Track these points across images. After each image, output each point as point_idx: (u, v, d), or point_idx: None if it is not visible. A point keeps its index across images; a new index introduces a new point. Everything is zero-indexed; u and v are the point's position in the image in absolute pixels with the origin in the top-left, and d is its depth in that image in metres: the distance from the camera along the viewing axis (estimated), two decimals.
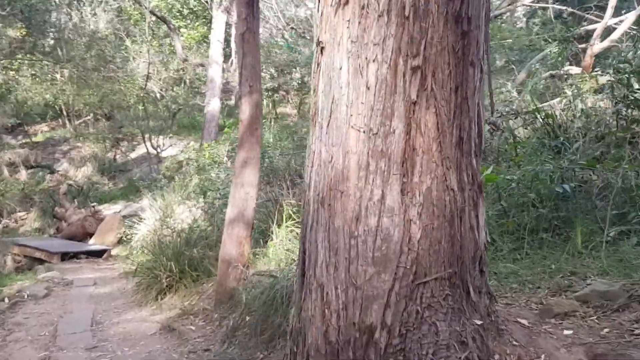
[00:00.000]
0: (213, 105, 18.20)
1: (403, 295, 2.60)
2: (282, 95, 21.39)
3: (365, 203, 2.64)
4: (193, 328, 6.13)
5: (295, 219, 6.49)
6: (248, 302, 5.60)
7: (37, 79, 20.78)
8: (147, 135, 17.86)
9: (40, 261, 12.76)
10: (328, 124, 2.80)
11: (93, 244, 14.20)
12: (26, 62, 18.80)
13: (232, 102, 23.55)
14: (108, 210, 16.41)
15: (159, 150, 17.28)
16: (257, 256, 6.64)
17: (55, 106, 22.61)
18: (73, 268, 11.34)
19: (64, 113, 22.16)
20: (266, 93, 18.21)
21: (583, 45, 8.74)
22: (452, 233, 2.65)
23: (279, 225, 6.53)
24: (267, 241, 6.92)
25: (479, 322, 2.66)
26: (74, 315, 7.12)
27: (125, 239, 13.98)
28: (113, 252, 13.36)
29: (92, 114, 21.56)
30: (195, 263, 7.55)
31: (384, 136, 2.61)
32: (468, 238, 2.71)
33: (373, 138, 2.63)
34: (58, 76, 20.30)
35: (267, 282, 5.69)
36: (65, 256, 12.61)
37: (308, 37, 23.52)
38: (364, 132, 2.65)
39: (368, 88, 2.63)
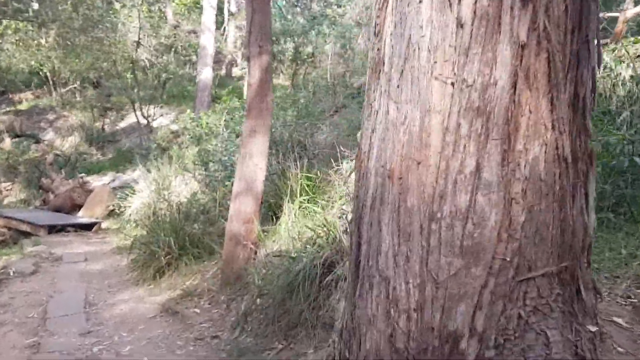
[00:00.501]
0: (205, 74, 17.38)
1: (500, 295, 2.01)
2: (275, 66, 20.53)
3: (452, 176, 2.03)
4: (197, 311, 5.54)
5: (310, 194, 5.87)
6: (260, 285, 5.01)
7: (21, 45, 19.72)
8: (137, 104, 17.02)
9: (27, 234, 12.05)
10: (401, 75, 2.16)
11: (82, 216, 13.49)
12: (10, 27, 17.74)
13: (223, 72, 22.70)
14: (97, 181, 15.66)
15: (149, 119, 16.46)
16: (266, 234, 6.02)
17: (41, 73, 21.61)
18: (62, 242, 10.65)
19: (50, 81, 21.16)
20: None
21: (613, 14, 8.16)
22: (563, 216, 2.05)
23: (292, 200, 5.90)
24: (276, 217, 6.31)
25: (594, 329, 2.08)
26: (64, 295, 6.48)
27: (116, 211, 13.31)
28: (103, 225, 12.66)
29: (79, 82, 20.59)
30: (195, 239, 6.93)
31: (481, 89, 1.98)
32: (579, 222, 2.11)
33: (466, 91, 2.00)
34: (43, 41, 19.24)
35: (278, 262, 5.10)
36: (53, 229, 11.90)
37: (301, 6, 22.65)
38: (452, 83, 2.02)
39: (461, 26, 1.99)
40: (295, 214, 5.73)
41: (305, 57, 17.93)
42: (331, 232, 4.52)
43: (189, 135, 10.82)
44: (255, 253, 5.80)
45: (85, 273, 7.64)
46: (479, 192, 2.00)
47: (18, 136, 18.53)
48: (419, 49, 2.10)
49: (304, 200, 5.83)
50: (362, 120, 2.48)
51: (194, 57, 19.84)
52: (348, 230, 4.52)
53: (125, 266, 7.83)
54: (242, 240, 5.72)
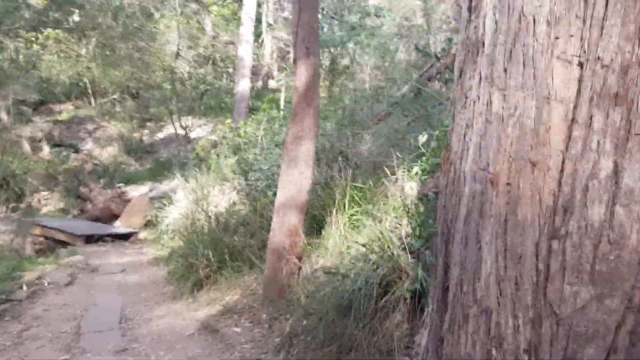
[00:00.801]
0: (243, 85, 17.15)
1: None
2: None
3: (582, 182, 1.58)
4: (238, 330, 5.14)
5: (360, 205, 5.43)
6: (307, 304, 4.59)
7: (61, 56, 19.90)
8: (174, 116, 16.89)
9: (63, 244, 11.93)
10: (509, 56, 1.73)
11: (119, 226, 13.32)
12: (51, 37, 17.89)
13: (260, 84, 22.52)
14: (135, 191, 15.52)
15: (187, 130, 16.29)
16: (310, 247, 5.61)
17: (80, 84, 21.79)
18: (98, 252, 10.45)
19: (89, 91, 21.28)
20: None
21: None
22: None
23: (339, 212, 5.48)
24: (320, 230, 5.89)
25: None
26: (99, 309, 6.18)
27: (153, 221, 13.12)
28: (140, 236, 12.47)
29: (118, 93, 20.66)
30: (235, 252, 6.57)
31: (621, 70, 1.53)
32: None
33: (601, 74, 1.55)
34: (83, 51, 19.41)
35: (326, 279, 4.68)
36: (90, 239, 11.74)
37: (338, 17, 22.37)
38: (581, 64, 1.58)
39: None
40: (343, 226, 5.30)
41: (342, 68, 17.63)
42: (387, 248, 4.07)
43: (228, 144, 10.51)
44: (300, 268, 5.39)
45: (121, 285, 7.35)
46: (617, 202, 1.54)
47: (57, 145, 18.60)
48: (534, 22, 1.66)
49: (354, 212, 5.40)
50: (452, 115, 2.05)
51: (231, 69, 19.69)
52: (406, 247, 4.08)
53: (163, 278, 7.52)
54: (286, 254, 5.32)
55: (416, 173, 4.89)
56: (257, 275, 6.19)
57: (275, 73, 25.57)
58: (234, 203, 7.64)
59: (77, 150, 18.79)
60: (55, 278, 7.34)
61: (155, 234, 12.34)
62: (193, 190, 8.94)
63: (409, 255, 3.99)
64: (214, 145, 12.67)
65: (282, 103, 16.39)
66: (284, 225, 5.36)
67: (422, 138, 4.91)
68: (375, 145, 8.82)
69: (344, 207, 5.51)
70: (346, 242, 5.03)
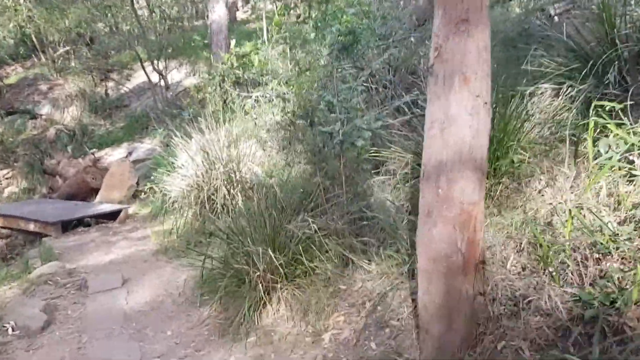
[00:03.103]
0: (218, 11, 13.73)
1: None
2: None
3: None
4: None
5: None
6: None
7: None
8: (145, 61, 13.48)
9: (34, 235, 9.00)
10: None
11: (100, 202, 10.33)
12: None
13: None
14: (111, 156, 12.43)
15: (164, 75, 12.98)
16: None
17: (27, 40, 18.01)
18: (82, 244, 7.55)
19: (37, 46, 17.55)
20: None
21: None
22: None
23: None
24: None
25: None
26: None
27: (143, 191, 10.20)
28: (130, 211, 9.54)
29: (70, 44, 17.00)
30: (314, 248, 3.80)
31: None
32: None
33: None
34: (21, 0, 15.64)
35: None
36: (68, 225, 8.79)
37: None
38: None
39: None
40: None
41: None
42: None
43: (232, 80, 7.33)
44: (483, 293, 2.66)
45: (128, 315, 4.53)
46: None
47: (10, 113, 15.13)
48: None
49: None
50: None
51: None
52: None
53: (189, 291, 4.73)
54: (463, 263, 2.57)
55: None
56: (360, 287, 3.48)
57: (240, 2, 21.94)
58: (288, 165, 4.77)
59: (34, 116, 15.33)
60: (24, 317, 4.48)
61: (148, 206, 9.45)
62: (203, 149, 5.99)
63: None
64: (199, 89, 9.49)
65: (264, 34, 13.13)
66: (452, 204, 2.57)
67: None
68: None
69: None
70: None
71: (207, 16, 15.64)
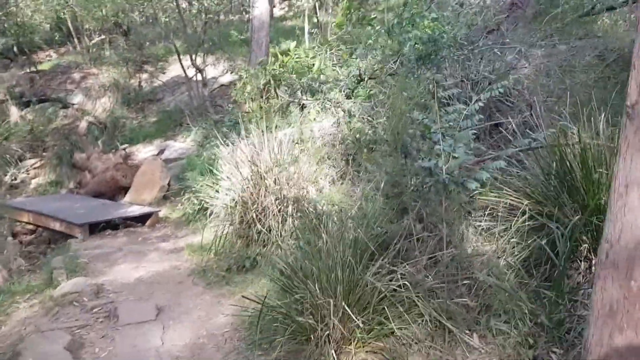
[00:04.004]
0: (260, 7, 13.02)
1: None
2: None
3: None
4: None
5: None
6: None
7: None
8: (182, 54, 12.81)
9: (60, 233, 8.40)
10: None
11: (130, 202, 9.70)
12: None
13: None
14: (143, 152, 11.79)
15: (201, 70, 12.29)
16: None
17: (62, 27, 17.47)
18: (109, 253, 6.89)
19: (73, 33, 17.01)
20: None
21: None
22: None
23: None
24: None
25: None
26: None
27: (173, 193, 9.58)
28: (160, 214, 8.89)
29: (106, 33, 16.42)
30: (393, 306, 3.03)
31: None
32: None
33: None
34: None
35: None
36: (95, 227, 8.17)
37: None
38: None
39: None
40: None
41: None
42: None
43: (280, 82, 6.49)
44: None
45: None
46: None
47: (42, 101, 14.58)
48: None
49: None
50: None
51: None
52: None
53: (236, 337, 3.99)
54: None
55: None
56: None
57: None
58: (365, 198, 3.95)
59: (65, 106, 14.79)
60: (44, 355, 3.80)
61: (180, 210, 8.80)
62: (252, 161, 5.26)
63: None
64: (244, 88, 8.72)
65: (306, 34, 12.32)
66: None
67: None
68: None
69: None
70: None
71: (244, 11, 14.94)
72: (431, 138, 3.18)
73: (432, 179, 3.02)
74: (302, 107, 6.39)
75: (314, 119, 5.07)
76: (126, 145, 11.50)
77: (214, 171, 6.51)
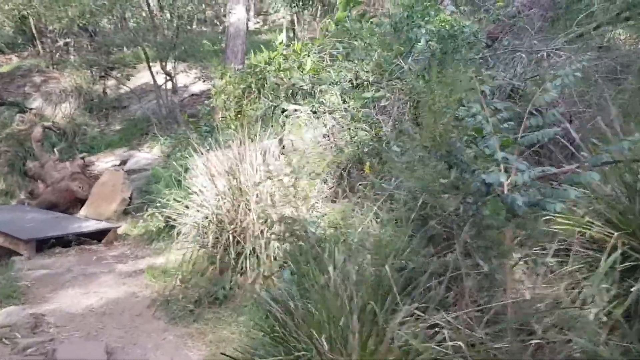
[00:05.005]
0: (237, 14, 12.16)
1: None
2: None
3: None
4: None
5: None
6: None
7: None
8: (152, 60, 11.76)
9: (2, 250, 7.26)
10: None
11: (86, 216, 8.61)
12: None
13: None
14: (104, 162, 10.69)
15: (172, 77, 11.28)
16: None
17: (26, 29, 16.20)
18: (56, 275, 5.85)
19: (36, 36, 15.77)
20: None
21: None
22: None
23: None
24: None
25: None
26: None
27: (132, 205, 8.57)
28: (120, 230, 7.85)
29: (72, 36, 15.25)
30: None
31: None
32: None
33: None
34: None
35: None
36: (44, 244, 7.09)
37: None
38: None
39: None
40: None
41: None
42: None
43: (269, 89, 5.53)
44: None
45: None
46: None
47: None
48: None
49: None
50: None
51: None
52: None
53: None
54: None
55: None
56: None
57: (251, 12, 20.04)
58: (379, 222, 2.97)
59: (23, 110, 13.52)
60: None
61: (141, 226, 7.78)
62: (230, 172, 4.34)
63: None
64: (222, 91, 7.71)
65: (283, 39, 11.46)
66: None
67: None
68: None
69: None
70: None
71: (218, 21, 14.01)
72: (477, 144, 2.37)
73: (486, 197, 2.20)
74: (284, 112, 5.51)
75: (304, 126, 4.21)
76: (85, 153, 10.37)
77: (183, 184, 5.56)
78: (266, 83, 4.83)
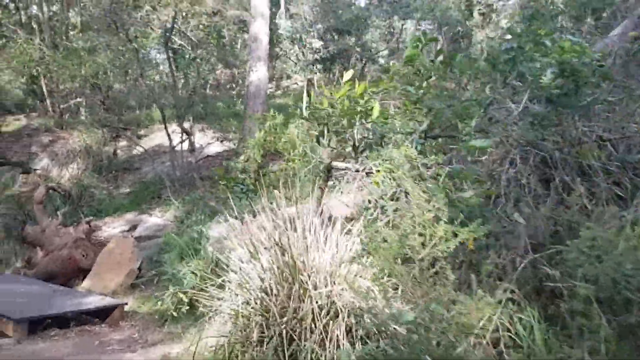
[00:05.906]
0: (259, 72, 11.56)
1: None
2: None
3: None
4: None
5: None
6: None
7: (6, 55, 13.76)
8: (169, 117, 10.96)
9: None
10: None
11: (89, 290, 7.47)
12: None
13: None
14: (112, 227, 9.65)
15: (190, 135, 10.43)
16: None
17: (36, 87, 15.69)
18: None
19: (46, 95, 15.17)
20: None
21: None
22: None
23: None
24: None
25: None
26: None
27: (143, 280, 7.51)
28: (127, 307, 6.70)
29: (83, 95, 14.61)
30: None
31: None
32: None
33: None
34: (37, 41, 13.44)
35: None
36: (38, 325, 5.93)
37: None
38: None
39: None
40: None
41: None
42: None
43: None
44: None
45: None
46: None
47: (0, 164, 12.45)
48: None
49: None
50: None
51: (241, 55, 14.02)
52: None
53: None
54: None
55: None
56: None
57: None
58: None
59: (27, 171, 12.66)
60: None
61: (152, 302, 6.67)
62: (278, 242, 3.31)
63: None
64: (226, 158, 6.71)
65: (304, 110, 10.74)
66: None
67: None
68: None
69: None
70: None
71: (235, 83, 13.43)
72: None
73: None
74: (330, 170, 4.53)
75: (378, 183, 3.25)
76: (91, 218, 9.35)
77: (202, 253, 4.51)
78: (328, 131, 3.93)
